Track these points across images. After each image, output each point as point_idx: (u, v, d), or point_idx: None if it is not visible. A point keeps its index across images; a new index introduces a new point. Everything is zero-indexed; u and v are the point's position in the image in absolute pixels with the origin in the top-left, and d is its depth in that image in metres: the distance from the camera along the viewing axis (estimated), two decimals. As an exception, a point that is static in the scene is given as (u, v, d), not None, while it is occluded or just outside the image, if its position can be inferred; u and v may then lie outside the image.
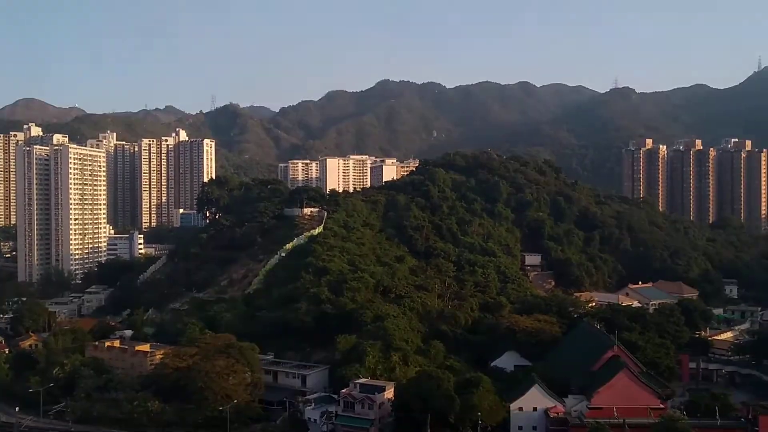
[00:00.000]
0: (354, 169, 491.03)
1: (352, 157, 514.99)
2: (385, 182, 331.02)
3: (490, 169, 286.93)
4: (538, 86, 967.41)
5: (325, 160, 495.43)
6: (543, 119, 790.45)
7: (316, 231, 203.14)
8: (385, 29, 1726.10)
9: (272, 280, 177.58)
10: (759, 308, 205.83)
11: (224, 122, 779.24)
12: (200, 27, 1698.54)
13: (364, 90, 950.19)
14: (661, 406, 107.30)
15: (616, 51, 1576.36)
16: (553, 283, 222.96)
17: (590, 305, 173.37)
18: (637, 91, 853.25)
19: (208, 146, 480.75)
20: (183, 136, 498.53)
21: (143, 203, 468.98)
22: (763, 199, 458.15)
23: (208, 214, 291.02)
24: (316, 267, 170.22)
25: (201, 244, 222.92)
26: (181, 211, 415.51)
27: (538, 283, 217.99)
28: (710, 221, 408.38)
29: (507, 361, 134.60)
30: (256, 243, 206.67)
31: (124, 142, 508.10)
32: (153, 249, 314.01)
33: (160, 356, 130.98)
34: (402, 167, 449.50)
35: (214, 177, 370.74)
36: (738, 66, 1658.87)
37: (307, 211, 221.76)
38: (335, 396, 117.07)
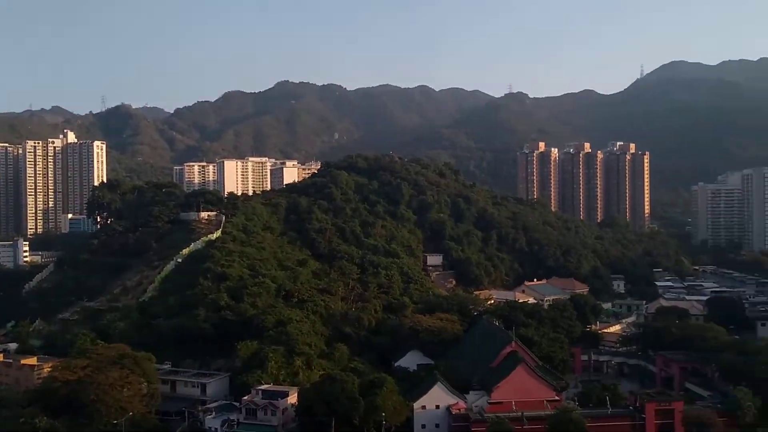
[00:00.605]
0: (253, 172, 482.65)
1: (251, 159, 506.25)
2: (286, 185, 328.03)
3: (392, 171, 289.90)
4: (437, 90, 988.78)
5: (223, 162, 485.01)
6: (442, 123, 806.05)
7: (214, 235, 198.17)
8: (283, 29, 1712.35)
9: (168, 287, 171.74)
10: (644, 302, 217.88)
11: (116, 124, 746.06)
12: (89, 22, 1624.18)
13: (263, 90, 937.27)
14: (557, 398, 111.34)
15: (510, 57, 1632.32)
16: (454, 282, 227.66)
17: (489, 303, 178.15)
18: (531, 96, 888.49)
19: (99, 148, 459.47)
20: (71, 137, 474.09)
21: (28, 209, 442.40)
22: (646, 199, 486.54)
23: (99, 220, 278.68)
24: (215, 273, 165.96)
25: (91, 251, 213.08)
26: (69, 216, 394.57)
27: (440, 282, 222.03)
28: (599, 220, 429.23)
29: (410, 360, 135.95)
30: (151, 249, 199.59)
31: (7, 145, 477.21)
32: (39, 256, 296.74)
33: (49, 369, 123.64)
34: (303, 169, 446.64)
35: (105, 180, 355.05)
36: (623, 73, 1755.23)
37: (204, 215, 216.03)
38: (237, 404, 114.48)
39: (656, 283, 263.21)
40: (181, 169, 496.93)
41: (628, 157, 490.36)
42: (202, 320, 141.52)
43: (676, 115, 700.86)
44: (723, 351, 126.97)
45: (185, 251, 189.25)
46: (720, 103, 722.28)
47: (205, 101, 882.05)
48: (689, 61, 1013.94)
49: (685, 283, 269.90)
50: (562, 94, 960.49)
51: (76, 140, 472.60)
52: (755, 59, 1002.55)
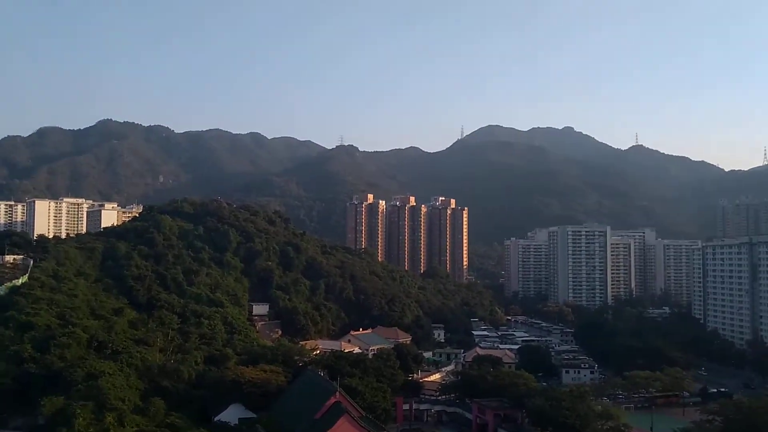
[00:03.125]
0: (68, 213, 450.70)
1: (65, 199, 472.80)
2: (104, 228, 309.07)
3: (220, 217, 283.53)
4: (269, 138, 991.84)
5: (34, 201, 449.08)
6: (274, 171, 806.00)
7: (20, 281, 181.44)
8: (107, 64, 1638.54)
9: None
10: (462, 350, 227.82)
11: None
12: None
13: (82, 128, 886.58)
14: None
15: (340, 110, 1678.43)
16: (280, 332, 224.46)
17: (315, 353, 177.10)
18: (360, 149, 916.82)
19: None
20: None
21: None
22: (465, 252, 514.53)
23: None
24: (19, 322, 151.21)
25: None
26: None
27: (266, 332, 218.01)
28: (422, 270, 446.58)
29: (232, 414, 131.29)
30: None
31: None
32: None
33: None
34: (124, 213, 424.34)
35: None
36: (446, 133, 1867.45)
37: (9, 258, 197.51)
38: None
39: (473, 332, 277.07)
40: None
41: (449, 211, 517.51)
42: (2, 374, 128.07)
43: (493, 174, 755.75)
44: (532, 397, 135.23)
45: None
46: (530, 165, 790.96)
47: (17, 136, 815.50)
48: (504, 125, 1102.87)
49: (499, 333, 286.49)
50: (390, 149, 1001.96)
51: None
52: (560, 127, 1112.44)
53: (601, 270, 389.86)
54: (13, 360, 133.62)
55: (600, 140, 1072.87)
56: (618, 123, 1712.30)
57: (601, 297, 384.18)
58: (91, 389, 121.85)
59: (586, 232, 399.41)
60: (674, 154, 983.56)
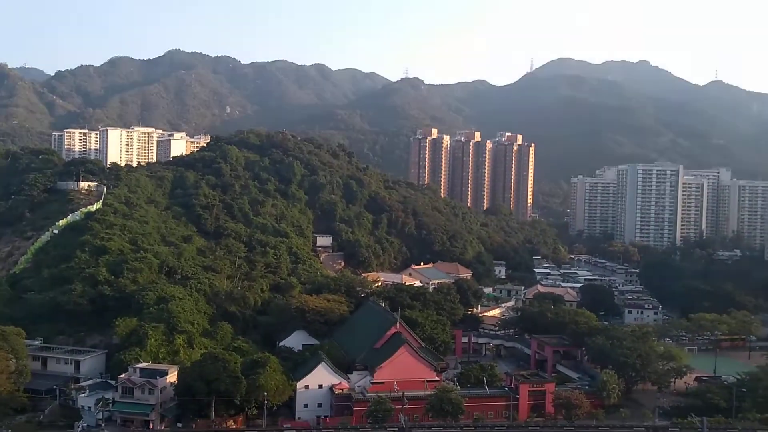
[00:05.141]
0: (138, 142, 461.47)
1: (136, 128, 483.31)
2: (173, 157, 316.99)
3: (285, 149, 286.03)
4: (334, 69, 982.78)
5: (107, 130, 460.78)
6: (338, 103, 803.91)
7: (94, 207, 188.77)
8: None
9: (42, 259, 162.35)
10: (522, 287, 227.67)
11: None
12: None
13: (152, 58, 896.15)
14: (437, 378, 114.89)
15: (406, 41, 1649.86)
16: (342, 263, 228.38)
17: (376, 285, 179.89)
18: (426, 82, 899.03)
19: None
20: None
21: None
22: (530, 189, 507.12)
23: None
24: (94, 246, 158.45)
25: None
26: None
27: (329, 264, 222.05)
28: (485, 207, 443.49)
29: (296, 340, 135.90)
30: (24, 218, 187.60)
31: None
32: None
33: None
34: (192, 143, 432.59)
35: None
36: (515, 66, 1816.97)
37: (84, 185, 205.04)
38: (112, 382, 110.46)
39: (535, 269, 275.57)
40: (61, 135, 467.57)
41: (515, 147, 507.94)
42: (78, 295, 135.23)
43: (562, 109, 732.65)
44: (593, 335, 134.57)
45: (62, 222, 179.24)
46: (602, 101, 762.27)
47: (90, 65, 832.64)
48: (576, 58, 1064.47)
49: (561, 271, 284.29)
50: (456, 82, 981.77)
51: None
52: (635, 61, 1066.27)
53: (671, 210, 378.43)
54: (89, 282, 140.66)
55: (677, 75, 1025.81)
56: (697, 57, 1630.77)
57: (669, 238, 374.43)
58: (161, 312, 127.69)
59: (657, 170, 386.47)
60: (756, 91, 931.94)
